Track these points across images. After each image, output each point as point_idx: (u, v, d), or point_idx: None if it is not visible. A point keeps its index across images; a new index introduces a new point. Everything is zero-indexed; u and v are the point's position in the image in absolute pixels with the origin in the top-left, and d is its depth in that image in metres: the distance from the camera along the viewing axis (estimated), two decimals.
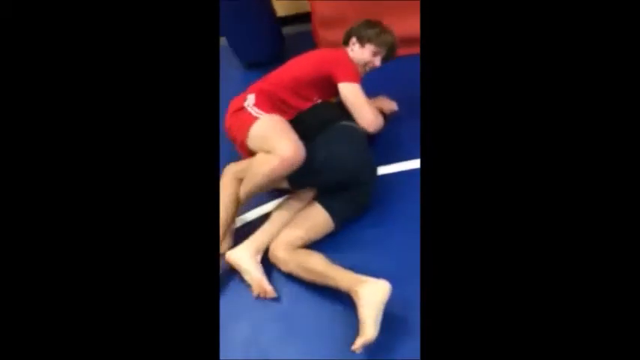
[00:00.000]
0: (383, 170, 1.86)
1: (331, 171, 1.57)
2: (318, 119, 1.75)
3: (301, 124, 1.73)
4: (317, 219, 1.57)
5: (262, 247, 1.55)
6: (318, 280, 1.41)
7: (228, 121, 1.76)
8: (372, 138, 1.86)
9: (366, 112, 1.75)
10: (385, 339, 1.28)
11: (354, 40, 1.89)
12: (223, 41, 2.75)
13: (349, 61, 1.82)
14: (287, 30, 2.92)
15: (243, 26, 2.56)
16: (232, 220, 1.63)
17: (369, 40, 1.86)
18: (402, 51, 1.99)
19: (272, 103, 1.73)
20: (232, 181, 1.63)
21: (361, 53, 1.87)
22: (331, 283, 1.37)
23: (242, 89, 1.82)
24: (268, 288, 1.48)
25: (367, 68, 1.90)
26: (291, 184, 1.61)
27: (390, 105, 2.05)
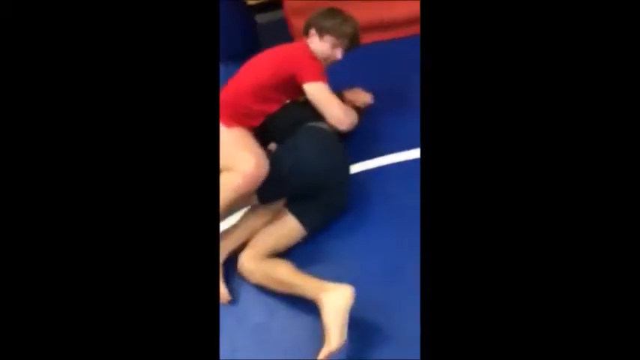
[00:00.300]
0: (358, 168, 1.80)
1: (298, 178, 1.53)
2: (288, 121, 1.69)
3: (271, 128, 1.70)
4: (286, 227, 1.53)
5: (229, 247, 1.53)
6: (285, 290, 1.39)
7: None
8: (346, 134, 1.80)
9: (334, 111, 1.68)
10: (359, 346, 1.26)
11: (312, 31, 1.78)
12: None
13: (310, 57, 1.72)
14: (261, 18, 2.81)
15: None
16: None
17: (328, 32, 1.75)
18: (377, 36, 1.92)
19: (234, 113, 1.63)
20: None
21: (320, 46, 1.76)
22: (298, 292, 1.35)
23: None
24: (223, 291, 1.46)
25: (328, 61, 1.80)
26: (260, 199, 1.56)
27: (365, 97, 1.97)
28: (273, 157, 1.53)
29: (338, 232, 1.60)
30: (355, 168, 1.79)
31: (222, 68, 2.25)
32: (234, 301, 1.47)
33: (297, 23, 2.41)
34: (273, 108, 1.72)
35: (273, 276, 1.41)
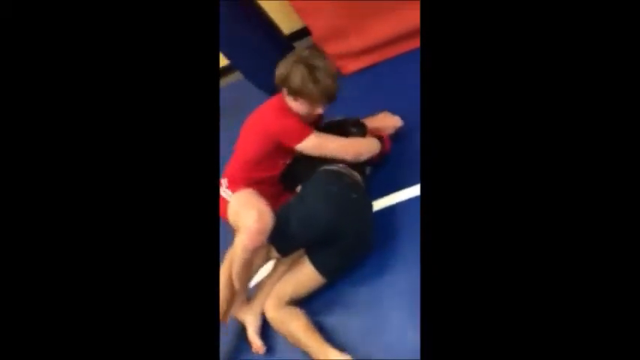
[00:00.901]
0: (382, 203, 1.73)
1: (308, 232, 1.51)
2: (306, 163, 1.68)
3: (291, 173, 1.72)
4: (304, 274, 1.53)
5: (259, 305, 1.58)
6: (295, 344, 1.41)
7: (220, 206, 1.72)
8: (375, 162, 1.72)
9: (335, 151, 1.64)
10: None
11: (285, 91, 1.64)
12: (239, 76, 2.77)
13: (288, 117, 1.63)
14: (301, 44, 2.82)
15: (251, 54, 2.52)
16: (229, 304, 1.58)
17: (299, 95, 1.60)
18: (402, 47, 1.81)
19: (243, 182, 1.66)
20: (229, 268, 1.60)
21: (297, 107, 1.64)
22: (304, 349, 1.37)
23: None
24: (258, 343, 1.53)
25: (312, 117, 1.69)
26: (279, 252, 1.57)
27: (393, 121, 1.88)
28: (282, 211, 1.52)
29: (361, 277, 1.56)
30: (380, 203, 1.72)
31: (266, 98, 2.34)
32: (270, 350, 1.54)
33: (328, 50, 2.39)
34: (276, 171, 1.73)
35: (287, 328, 1.44)
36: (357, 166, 1.71)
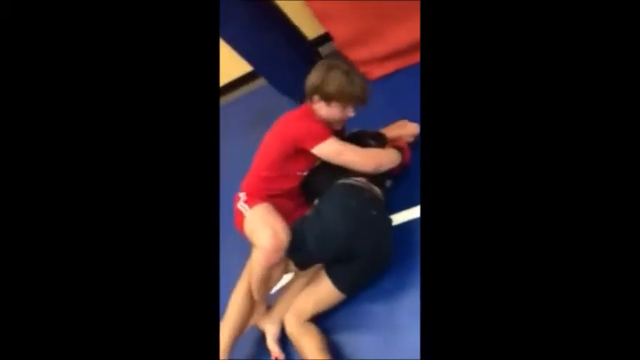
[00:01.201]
0: (403, 217, 1.68)
1: (324, 248, 1.49)
2: (324, 176, 1.67)
3: (310, 185, 1.71)
4: (323, 290, 1.52)
5: (278, 317, 1.60)
6: None
7: (235, 219, 1.72)
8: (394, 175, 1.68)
9: (351, 159, 1.62)
10: None
11: (316, 98, 1.65)
12: (263, 82, 2.77)
13: (309, 121, 1.64)
14: (326, 49, 2.79)
15: (275, 60, 2.51)
16: (244, 322, 1.60)
17: (334, 99, 1.61)
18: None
19: (261, 196, 1.66)
20: (247, 281, 1.61)
21: (328, 112, 1.65)
22: None
23: None
24: (276, 350, 1.55)
25: (342, 122, 1.71)
26: (297, 266, 1.57)
27: (412, 129, 1.83)
28: (299, 225, 1.51)
29: (379, 293, 1.53)
30: (400, 217, 1.68)
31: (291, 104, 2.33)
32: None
33: (351, 56, 2.36)
34: (295, 182, 1.72)
35: (300, 344, 1.45)
36: (378, 178, 1.68)
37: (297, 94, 2.14)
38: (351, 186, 1.58)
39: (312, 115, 1.67)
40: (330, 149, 1.62)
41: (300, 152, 1.65)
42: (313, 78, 1.64)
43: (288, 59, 2.52)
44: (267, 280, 1.55)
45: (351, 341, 1.49)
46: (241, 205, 1.67)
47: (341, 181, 1.61)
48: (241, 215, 1.64)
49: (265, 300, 1.63)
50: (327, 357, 1.37)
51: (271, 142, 1.70)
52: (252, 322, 1.62)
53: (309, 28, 2.71)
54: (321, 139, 1.61)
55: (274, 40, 2.44)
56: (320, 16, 2.28)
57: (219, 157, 0.91)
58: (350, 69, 1.63)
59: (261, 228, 1.49)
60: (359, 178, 1.61)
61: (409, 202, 1.70)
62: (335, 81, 1.59)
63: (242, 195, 1.70)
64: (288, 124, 1.68)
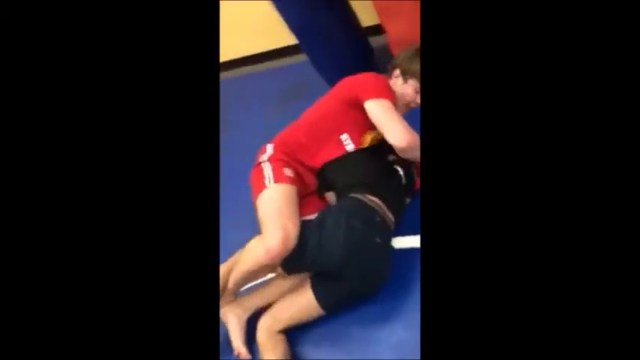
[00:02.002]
0: (406, 242, 1.60)
1: (316, 261, 1.43)
2: (343, 177, 1.60)
3: (328, 178, 1.65)
4: (304, 302, 1.46)
5: (252, 307, 1.53)
6: None
7: (252, 172, 1.66)
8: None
9: (393, 126, 1.50)
10: None
11: (397, 72, 1.67)
12: (304, 57, 2.66)
13: (377, 79, 1.63)
14: (377, 40, 2.66)
15: (324, 40, 2.40)
16: None
17: (414, 76, 1.61)
18: None
19: (288, 159, 1.61)
20: (231, 265, 1.55)
21: (403, 88, 1.64)
22: None
23: None
24: (242, 350, 1.46)
25: (410, 106, 1.68)
26: (284, 269, 1.51)
27: None
28: (303, 230, 1.45)
29: (361, 318, 1.47)
30: (403, 242, 1.60)
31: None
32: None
33: (396, 51, 2.23)
34: (328, 149, 1.62)
35: (263, 355, 1.40)
36: (398, 196, 1.59)
37: (335, 80, 2.08)
38: (364, 206, 1.49)
39: (385, 80, 1.65)
40: (381, 108, 1.53)
41: (351, 111, 1.58)
42: (402, 54, 1.67)
43: (337, 43, 2.42)
44: (253, 275, 1.50)
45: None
46: (262, 160, 1.60)
47: (355, 195, 1.51)
48: (260, 180, 1.55)
49: (236, 292, 1.56)
50: None
51: (326, 98, 1.68)
52: None
53: (365, 14, 2.57)
54: (380, 94, 1.55)
55: (327, 21, 2.34)
56: (380, 11, 2.22)
57: (219, 149, 0.87)
58: None
59: (275, 225, 1.40)
60: (374, 199, 1.51)
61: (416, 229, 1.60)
62: (418, 61, 1.54)
63: (269, 148, 1.64)
64: (357, 76, 1.66)
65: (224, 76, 3.79)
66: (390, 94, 1.58)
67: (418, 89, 1.61)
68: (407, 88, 1.64)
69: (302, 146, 1.63)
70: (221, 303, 1.52)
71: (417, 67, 1.57)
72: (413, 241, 1.59)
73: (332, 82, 2.39)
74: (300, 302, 1.45)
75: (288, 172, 1.57)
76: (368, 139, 1.63)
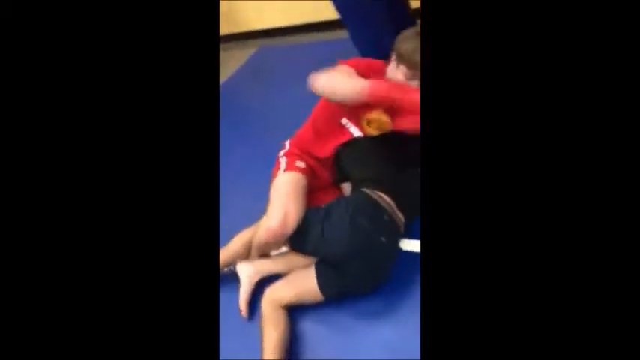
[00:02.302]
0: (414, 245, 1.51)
1: (317, 252, 1.44)
2: (354, 166, 1.59)
3: (341, 166, 1.64)
4: (307, 287, 1.44)
5: (263, 271, 1.56)
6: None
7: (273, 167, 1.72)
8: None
9: (337, 80, 1.48)
10: None
11: (394, 55, 1.53)
12: (344, 34, 2.53)
13: (366, 62, 1.59)
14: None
15: (369, 17, 2.27)
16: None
17: (402, 60, 1.48)
18: None
19: (301, 153, 1.69)
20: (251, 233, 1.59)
21: (394, 73, 1.52)
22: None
23: None
24: (243, 308, 1.54)
25: None
26: (290, 246, 1.53)
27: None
28: (311, 214, 1.47)
29: (357, 311, 1.43)
30: (412, 245, 1.52)
31: None
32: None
33: None
34: (334, 137, 1.63)
35: (264, 329, 1.39)
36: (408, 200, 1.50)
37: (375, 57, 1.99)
38: (373, 203, 1.43)
39: (380, 65, 1.57)
40: (337, 69, 1.52)
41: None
42: (400, 36, 1.54)
43: (380, 22, 2.28)
44: (265, 247, 1.55)
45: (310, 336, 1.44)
46: (281, 157, 1.68)
47: (367, 190, 1.47)
48: (276, 169, 1.65)
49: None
50: (281, 353, 1.33)
51: None
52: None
53: None
54: (347, 62, 1.53)
55: (377, 6, 2.20)
56: None
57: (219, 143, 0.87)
58: None
59: (277, 205, 1.48)
60: (385, 197, 1.45)
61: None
62: (411, 42, 1.46)
63: (287, 144, 1.73)
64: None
65: (262, 43, 3.71)
66: (360, 67, 1.52)
67: (408, 75, 1.48)
68: (398, 73, 1.51)
69: (311, 140, 1.69)
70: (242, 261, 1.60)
71: (406, 49, 1.46)
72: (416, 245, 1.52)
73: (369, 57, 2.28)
74: (304, 284, 1.45)
75: (299, 164, 1.64)
76: (369, 121, 1.58)
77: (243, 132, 1.64)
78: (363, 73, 1.52)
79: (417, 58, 1.42)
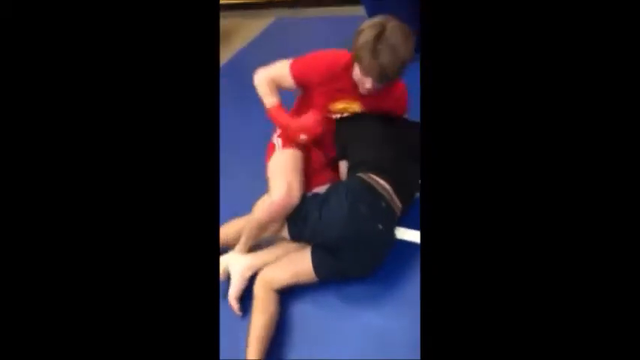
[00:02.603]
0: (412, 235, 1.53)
1: (314, 237, 1.43)
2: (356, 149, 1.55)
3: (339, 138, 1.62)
4: (302, 269, 1.44)
5: (259, 265, 1.49)
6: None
7: (267, 150, 1.70)
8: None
9: (266, 70, 1.54)
10: None
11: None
12: (361, 10, 2.52)
13: (317, 55, 1.54)
14: None
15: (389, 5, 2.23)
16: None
17: (356, 58, 1.39)
18: None
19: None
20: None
21: (354, 70, 1.43)
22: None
23: None
24: (233, 304, 1.47)
25: (364, 89, 1.46)
26: (290, 234, 1.50)
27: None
28: (307, 201, 1.46)
29: (347, 295, 1.44)
30: (406, 235, 1.53)
31: None
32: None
33: None
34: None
35: (255, 310, 1.39)
36: (414, 180, 1.52)
37: None
38: (371, 190, 1.42)
39: (348, 65, 1.45)
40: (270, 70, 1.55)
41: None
42: (363, 24, 1.40)
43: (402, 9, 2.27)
44: (262, 229, 1.50)
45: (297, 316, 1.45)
46: (275, 139, 1.66)
47: (364, 175, 1.45)
48: (272, 148, 1.63)
49: (247, 245, 1.54)
50: (261, 339, 1.32)
51: None
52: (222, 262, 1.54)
53: None
54: (292, 60, 1.53)
55: None
56: None
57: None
58: (392, 40, 1.33)
59: (279, 178, 1.46)
60: (383, 182, 1.43)
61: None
62: (362, 38, 1.35)
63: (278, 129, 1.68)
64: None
65: (278, 13, 3.70)
66: (299, 64, 1.52)
67: (362, 72, 1.40)
68: (355, 69, 1.43)
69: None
70: (230, 253, 1.53)
71: (356, 43, 1.37)
72: (414, 236, 1.52)
73: None
74: (298, 265, 1.45)
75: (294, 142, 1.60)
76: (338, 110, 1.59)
77: (257, 105, 1.64)
78: (305, 76, 1.51)
79: (365, 57, 1.34)
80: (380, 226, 1.39)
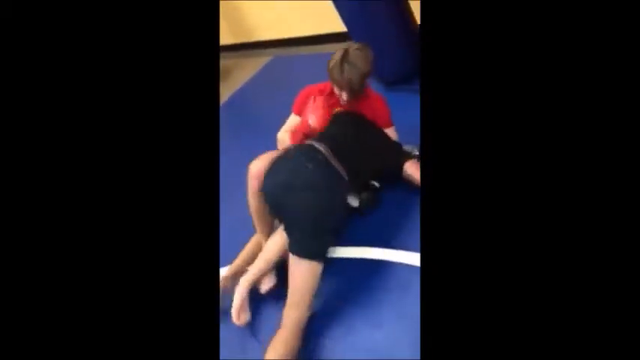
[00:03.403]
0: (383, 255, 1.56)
1: (271, 189, 1.53)
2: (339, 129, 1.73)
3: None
4: (274, 246, 1.57)
5: (251, 280, 1.56)
6: None
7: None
8: None
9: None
10: None
11: None
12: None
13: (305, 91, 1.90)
14: None
15: (376, 36, 2.29)
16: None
17: (330, 77, 1.72)
18: None
19: (299, 137, 1.89)
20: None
21: (334, 87, 1.75)
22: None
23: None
24: (234, 316, 1.50)
25: (341, 100, 1.77)
26: (265, 199, 1.60)
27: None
28: (274, 162, 1.58)
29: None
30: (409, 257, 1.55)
31: (389, 94, 2.22)
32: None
33: None
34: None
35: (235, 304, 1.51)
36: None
37: (380, 71, 2.15)
38: (311, 146, 1.57)
39: (330, 90, 1.80)
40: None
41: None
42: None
43: (386, 34, 2.36)
44: (259, 212, 1.62)
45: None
46: (281, 133, 1.96)
47: (311, 141, 1.62)
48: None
49: (263, 235, 1.67)
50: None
51: None
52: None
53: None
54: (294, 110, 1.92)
55: (377, 11, 2.28)
56: None
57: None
58: (355, 61, 1.66)
59: (262, 156, 1.61)
60: (325, 147, 1.56)
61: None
62: (332, 62, 1.68)
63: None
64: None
65: (276, 52, 3.86)
66: (299, 109, 1.90)
67: (336, 90, 1.73)
68: (334, 85, 1.73)
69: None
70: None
71: (331, 65, 1.67)
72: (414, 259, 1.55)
73: (377, 72, 2.38)
74: (270, 246, 1.58)
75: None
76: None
77: (257, 139, 1.73)
78: (304, 104, 1.87)
79: (336, 75, 1.67)
80: (309, 165, 1.48)
